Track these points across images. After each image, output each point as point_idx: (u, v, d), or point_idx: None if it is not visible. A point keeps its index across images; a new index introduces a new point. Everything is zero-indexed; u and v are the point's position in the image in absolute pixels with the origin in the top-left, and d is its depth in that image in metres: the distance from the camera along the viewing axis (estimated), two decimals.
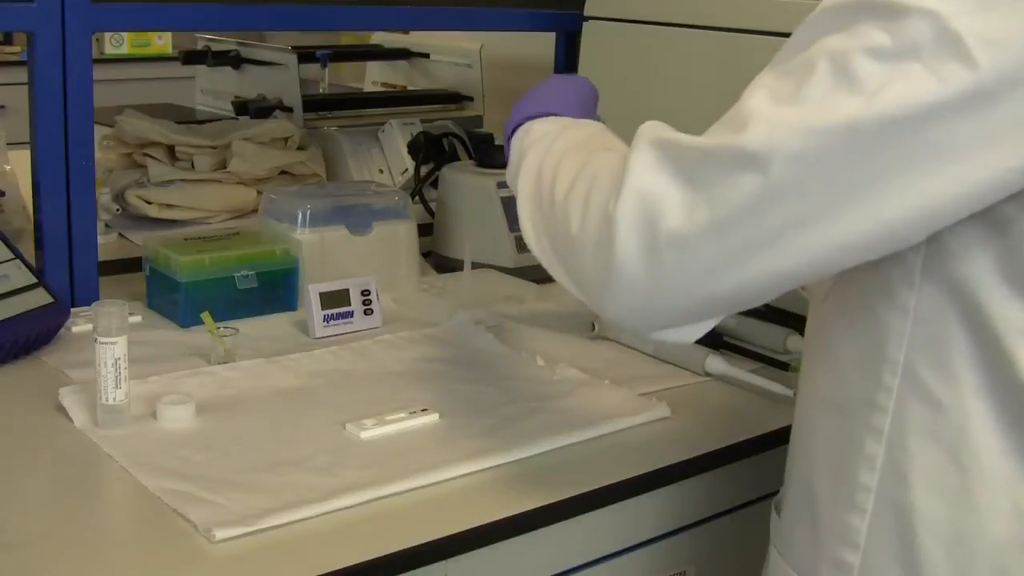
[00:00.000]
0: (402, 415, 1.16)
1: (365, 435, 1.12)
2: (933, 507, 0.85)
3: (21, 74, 1.46)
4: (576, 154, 0.98)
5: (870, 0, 0.77)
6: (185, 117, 2.27)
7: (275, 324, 1.44)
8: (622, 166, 0.87)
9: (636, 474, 1.10)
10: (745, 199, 0.79)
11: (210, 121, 2.03)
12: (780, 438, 1.15)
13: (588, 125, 1.09)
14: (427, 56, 2.45)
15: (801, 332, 1.36)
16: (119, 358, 1.10)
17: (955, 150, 0.75)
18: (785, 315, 1.41)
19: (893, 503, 0.87)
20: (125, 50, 4.34)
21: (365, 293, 1.44)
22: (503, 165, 1.69)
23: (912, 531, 0.86)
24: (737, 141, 0.79)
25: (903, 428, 0.86)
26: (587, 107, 1.20)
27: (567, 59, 1.98)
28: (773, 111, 0.79)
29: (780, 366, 1.35)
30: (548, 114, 1.13)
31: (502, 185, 1.66)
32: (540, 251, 0.99)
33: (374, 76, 2.61)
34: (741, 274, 0.83)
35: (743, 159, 0.79)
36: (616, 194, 0.85)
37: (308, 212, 1.52)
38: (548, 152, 1.03)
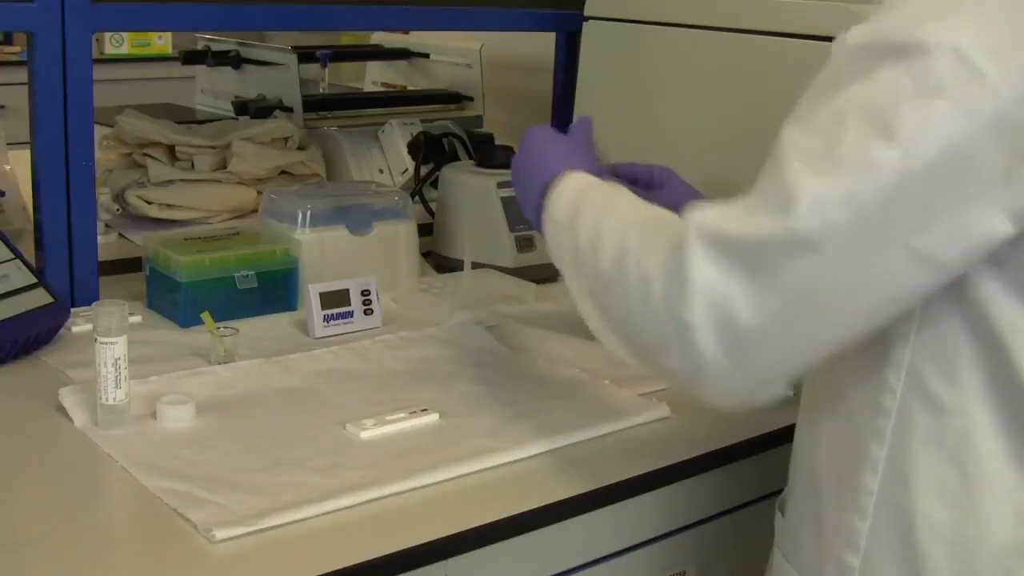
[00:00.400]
0: (402, 415, 1.16)
1: (365, 435, 1.12)
2: (935, 511, 0.85)
3: (21, 74, 1.45)
4: (619, 235, 0.96)
5: (888, 41, 0.78)
6: (185, 117, 2.27)
7: (275, 324, 1.44)
8: (674, 259, 0.86)
9: (636, 474, 1.10)
10: (809, 279, 0.80)
11: (210, 121, 2.03)
12: (780, 438, 1.15)
13: (610, 192, 1.07)
14: (427, 56, 2.45)
15: None
16: (119, 358, 1.10)
17: (994, 175, 0.76)
18: None
19: (895, 506, 0.87)
20: (125, 50, 4.34)
21: (365, 293, 1.44)
22: (503, 165, 1.71)
23: (913, 534, 0.86)
24: (787, 225, 0.80)
25: (906, 431, 0.86)
26: (582, 148, 1.18)
27: (567, 59, 1.98)
28: (815, 183, 0.79)
29: None
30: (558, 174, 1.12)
31: (502, 185, 1.66)
32: (617, 350, 0.99)
33: (374, 76, 2.60)
34: (822, 343, 0.84)
35: (798, 243, 0.80)
36: (683, 298, 0.84)
37: (308, 212, 1.52)
38: (578, 244, 1.01)
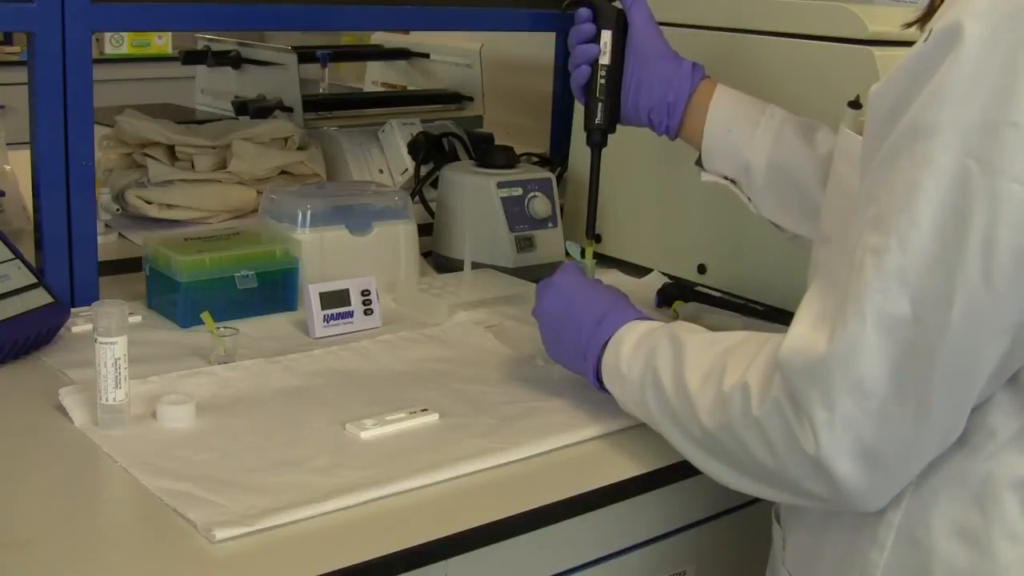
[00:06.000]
0: (402, 415, 1.16)
1: (365, 435, 1.12)
2: (952, 550, 0.86)
3: (21, 74, 1.45)
4: (710, 388, 0.97)
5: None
6: (185, 117, 2.27)
7: (275, 324, 1.44)
8: (784, 401, 0.87)
9: (636, 474, 1.10)
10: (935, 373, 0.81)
11: (210, 121, 2.03)
12: None
13: (675, 335, 1.07)
14: (427, 56, 2.45)
15: None
16: (119, 358, 1.10)
17: None
18: (787, 316, 1.41)
19: (913, 541, 0.88)
20: (125, 50, 4.34)
21: (365, 293, 1.44)
22: (503, 165, 1.71)
23: (930, 571, 0.87)
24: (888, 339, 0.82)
25: (933, 469, 0.87)
26: (612, 296, 1.20)
27: (567, 59, 1.97)
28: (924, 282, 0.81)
29: None
30: (607, 332, 1.14)
31: (502, 185, 1.66)
32: (746, 490, 1.00)
33: (374, 76, 2.61)
34: (947, 423, 0.84)
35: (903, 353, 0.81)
36: (808, 439, 0.85)
37: (308, 212, 1.52)
38: (668, 401, 1.03)
